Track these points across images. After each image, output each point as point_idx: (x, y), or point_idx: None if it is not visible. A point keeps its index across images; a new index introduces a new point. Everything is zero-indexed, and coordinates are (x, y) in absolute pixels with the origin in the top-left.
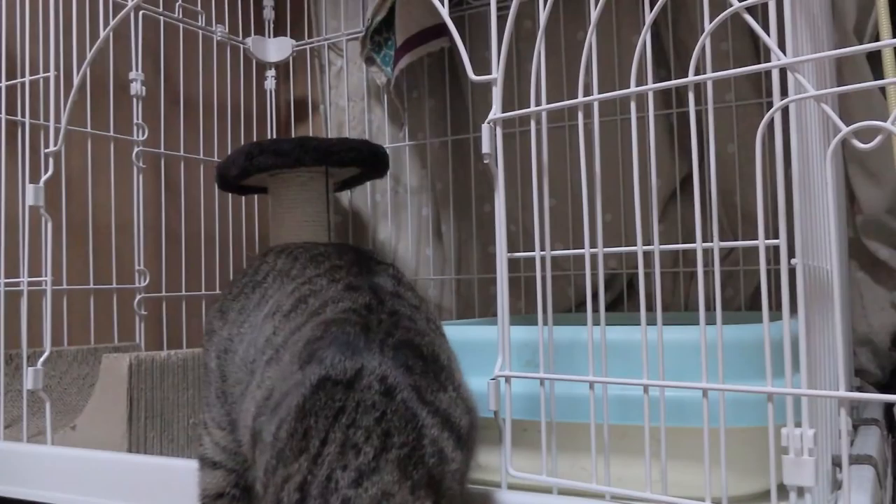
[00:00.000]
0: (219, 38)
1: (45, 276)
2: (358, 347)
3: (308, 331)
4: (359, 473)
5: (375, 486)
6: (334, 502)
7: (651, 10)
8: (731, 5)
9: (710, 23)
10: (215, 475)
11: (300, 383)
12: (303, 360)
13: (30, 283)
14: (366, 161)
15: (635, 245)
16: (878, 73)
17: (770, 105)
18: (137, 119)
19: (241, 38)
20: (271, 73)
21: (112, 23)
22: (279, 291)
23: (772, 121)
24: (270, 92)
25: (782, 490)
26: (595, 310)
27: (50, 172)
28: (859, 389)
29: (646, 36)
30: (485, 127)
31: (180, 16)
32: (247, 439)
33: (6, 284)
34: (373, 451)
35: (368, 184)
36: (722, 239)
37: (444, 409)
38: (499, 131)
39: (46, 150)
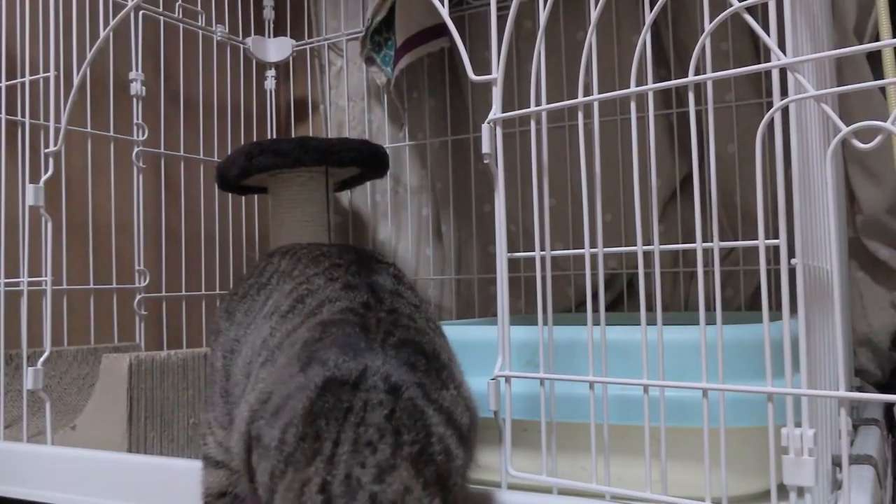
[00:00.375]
0: (219, 38)
1: (45, 276)
2: (360, 348)
3: (305, 332)
4: (379, 470)
5: (397, 482)
6: (362, 498)
7: (651, 10)
8: (731, 5)
9: (710, 23)
10: (218, 474)
11: (303, 386)
12: (303, 362)
13: (30, 283)
14: (366, 161)
15: (635, 245)
16: (878, 73)
17: (770, 105)
18: (137, 119)
19: (241, 38)
20: (271, 73)
21: (112, 23)
22: (278, 291)
23: (772, 121)
24: (270, 92)
25: (782, 490)
26: (595, 310)
27: (50, 172)
28: (859, 389)
29: (646, 36)
30: (485, 127)
31: (180, 16)
32: (240, 446)
33: (6, 284)
34: (389, 449)
35: (368, 184)
36: (722, 239)
37: (447, 407)
38: (499, 131)
39: (46, 150)
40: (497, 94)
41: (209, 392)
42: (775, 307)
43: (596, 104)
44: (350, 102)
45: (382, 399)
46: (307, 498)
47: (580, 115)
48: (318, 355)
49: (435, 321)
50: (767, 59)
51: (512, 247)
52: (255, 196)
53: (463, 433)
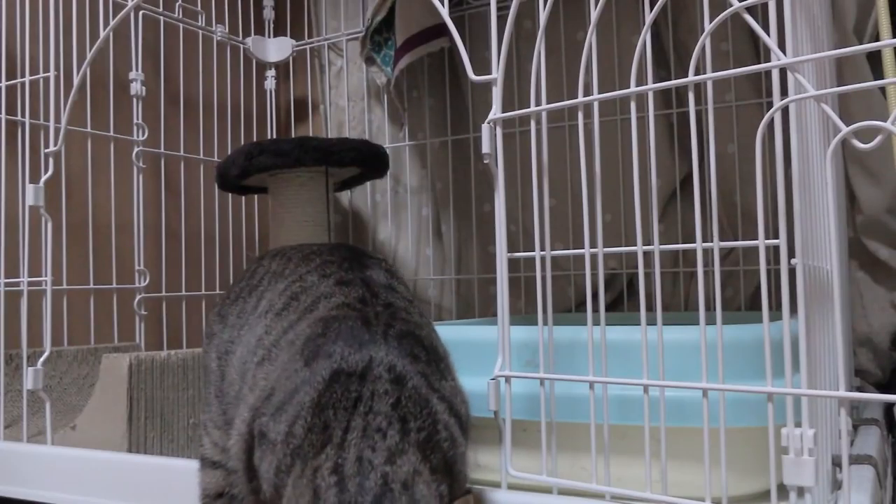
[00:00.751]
0: (219, 38)
1: (45, 276)
2: (363, 340)
3: (305, 328)
4: (390, 453)
5: (407, 464)
6: (374, 478)
7: (651, 10)
8: (731, 5)
9: (710, 23)
10: (215, 475)
11: (309, 380)
12: (307, 357)
13: (30, 283)
14: (366, 161)
15: (635, 245)
16: (878, 73)
17: (770, 105)
18: (137, 119)
19: (241, 38)
20: (271, 73)
21: (112, 23)
22: (271, 291)
23: (772, 121)
24: (270, 92)
25: (782, 490)
26: (595, 310)
27: (50, 172)
28: (859, 389)
29: (646, 36)
30: (485, 127)
31: (180, 16)
32: (239, 447)
33: (6, 284)
34: (398, 435)
35: (368, 184)
36: (722, 239)
37: (448, 396)
38: (499, 131)
39: (46, 150)
40: (497, 94)
41: (205, 393)
42: (775, 307)
43: (596, 104)
44: (350, 102)
45: (388, 389)
46: (320, 480)
47: (580, 115)
48: (323, 349)
49: (426, 316)
50: (767, 59)
51: (512, 247)
52: (255, 196)
53: (463, 422)
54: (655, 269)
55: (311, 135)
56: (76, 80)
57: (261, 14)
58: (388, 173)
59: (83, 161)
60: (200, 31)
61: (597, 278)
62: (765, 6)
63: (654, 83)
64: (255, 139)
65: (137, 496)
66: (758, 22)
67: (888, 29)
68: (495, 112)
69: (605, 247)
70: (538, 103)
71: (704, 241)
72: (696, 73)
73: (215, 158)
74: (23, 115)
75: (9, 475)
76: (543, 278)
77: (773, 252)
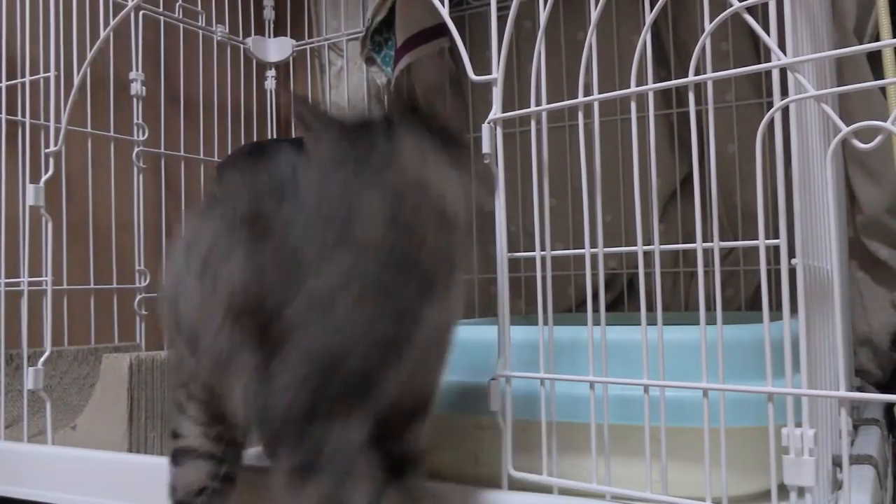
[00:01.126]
0: (219, 38)
1: (46, 276)
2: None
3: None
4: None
5: None
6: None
7: (651, 10)
8: (731, 5)
9: (710, 23)
10: (197, 466)
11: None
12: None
13: (30, 283)
14: None
15: (635, 245)
16: (878, 73)
17: (770, 105)
18: (137, 119)
19: (241, 38)
20: (271, 73)
21: (112, 23)
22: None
23: (772, 121)
24: (270, 92)
25: (782, 490)
26: (595, 310)
27: (50, 172)
28: (859, 389)
29: (646, 36)
30: (485, 127)
31: (180, 16)
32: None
33: (6, 284)
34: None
35: None
36: (722, 239)
37: None
38: (499, 131)
39: (46, 150)
40: (497, 94)
41: None
42: (775, 307)
43: (596, 104)
44: (350, 102)
45: None
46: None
47: (580, 115)
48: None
49: None
50: (767, 59)
51: (512, 247)
52: None
53: None
54: (655, 269)
55: None
56: (76, 80)
57: (261, 14)
58: None
59: (83, 161)
60: (200, 31)
61: (597, 278)
62: (765, 6)
63: (654, 83)
64: (255, 139)
65: (137, 496)
66: (758, 22)
67: (888, 29)
68: (495, 112)
69: (605, 247)
70: (538, 103)
71: (704, 241)
72: (696, 73)
73: (215, 158)
74: (23, 115)
75: (9, 475)
76: (543, 278)
77: (774, 252)
